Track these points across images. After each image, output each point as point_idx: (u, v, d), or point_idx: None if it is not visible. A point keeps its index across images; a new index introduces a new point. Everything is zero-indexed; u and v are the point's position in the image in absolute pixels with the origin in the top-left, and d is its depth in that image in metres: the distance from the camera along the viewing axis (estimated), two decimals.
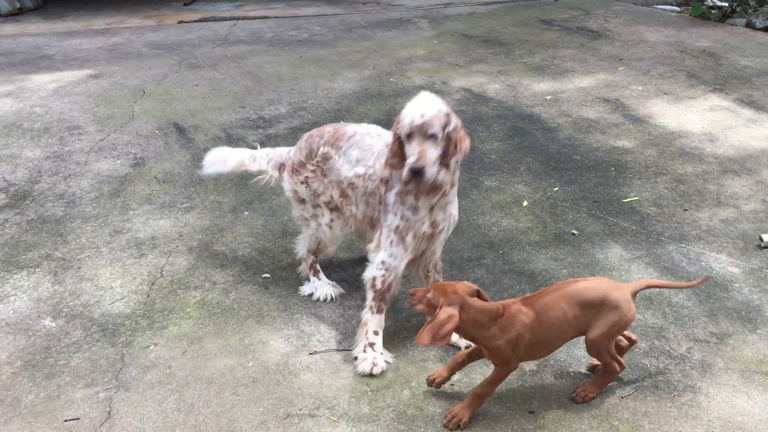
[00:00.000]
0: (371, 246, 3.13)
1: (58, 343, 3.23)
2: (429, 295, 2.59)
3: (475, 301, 2.60)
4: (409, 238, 3.03)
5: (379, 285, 3.05)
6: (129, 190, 4.67)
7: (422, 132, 2.86)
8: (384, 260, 3.04)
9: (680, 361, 2.98)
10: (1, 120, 6.00)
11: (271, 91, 6.44)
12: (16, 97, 6.60)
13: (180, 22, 9.76)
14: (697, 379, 2.88)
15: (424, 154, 2.84)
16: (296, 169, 3.42)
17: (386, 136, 3.20)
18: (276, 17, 9.76)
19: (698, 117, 5.46)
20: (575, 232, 3.98)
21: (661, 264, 3.65)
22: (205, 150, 3.91)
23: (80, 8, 10.98)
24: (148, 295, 3.56)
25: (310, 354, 3.07)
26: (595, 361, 2.88)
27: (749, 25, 8.08)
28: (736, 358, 2.99)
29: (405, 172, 2.86)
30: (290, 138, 5.26)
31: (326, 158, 3.31)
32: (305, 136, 3.48)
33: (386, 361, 3.02)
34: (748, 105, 5.66)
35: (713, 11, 8.63)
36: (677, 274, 3.55)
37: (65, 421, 2.77)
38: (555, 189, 4.47)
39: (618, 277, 3.55)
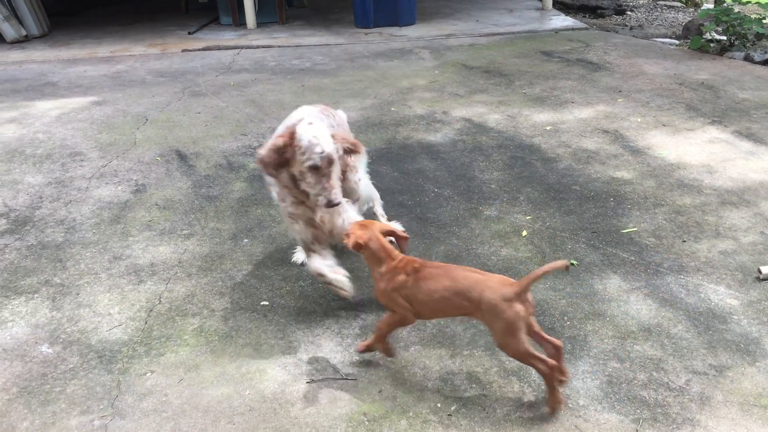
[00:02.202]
0: None
1: (55, 369, 3.22)
2: (350, 231, 3.04)
3: (381, 239, 3.00)
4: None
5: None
6: (129, 217, 4.69)
7: (330, 162, 3.21)
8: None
9: (679, 394, 2.96)
10: (4, 146, 6.04)
11: (273, 119, 6.48)
12: (19, 123, 6.65)
13: (184, 50, 9.86)
14: (696, 411, 2.86)
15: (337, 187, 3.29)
16: None
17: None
18: (279, 46, 9.87)
19: (697, 149, 5.49)
20: (574, 262, 3.98)
21: (660, 295, 3.64)
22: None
23: (85, 36, 11.11)
24: (146, 322, 3.55)
25: (308, 382, 3.05)
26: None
27: (747, 59, 8.16)
28: (735, 391, 2.97)
29: (321, 203, 3.27)
30: None
31: None
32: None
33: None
34: (747, 137, 5.69)
35: (712, 44, 8.73)
36: (676, 306, 3.54)
37: None
38: (554, 219, 4.49)
39: (617, 308, 3.54)
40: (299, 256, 4.03)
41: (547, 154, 5.54)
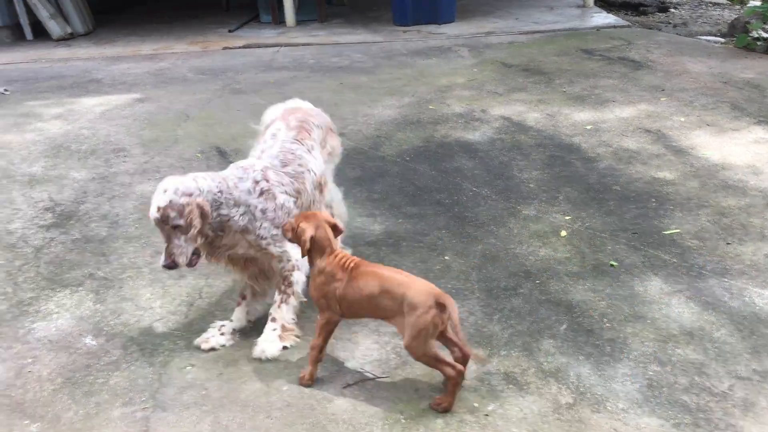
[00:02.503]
0: None
1: (98, 361, 3.29)
2: (293, 223, 3.04)
3: (327, 230, 3.02)
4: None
5: None
6: None
7: (165, 223, 2.99)
8: None
9: (721, 399, 2.91)
10: (50, 141, 6.19)
11: None
12: (65, 120, 6.81)
13: (225, 48, 9.98)
14: (740, 417, 2.81)
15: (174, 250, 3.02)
16: None
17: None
18: (318, 44, 9.92)
19: (742, 149, 5.37)
20: (614, 263, 3.93)
21: (703, 298, 3.57)
22: None
23: (129, 34, 11.32)
24: (186, 316, 3.61)
25: (343, 387, 3.06)
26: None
27: None
28: None
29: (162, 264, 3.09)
30: None
31: None
32: None
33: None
34: None
35: (758, 42, 8.51)
36: (719, 309, 3.47)
37: None
38: (594, 219, 4.43)
39: (658, 310, 3.49)
40: None
41: (587, 153, 5.48)
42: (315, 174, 3.53)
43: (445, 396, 2.89)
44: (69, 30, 11.19)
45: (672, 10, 12.08)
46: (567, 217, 4.48)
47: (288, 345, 3.32)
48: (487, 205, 4.69)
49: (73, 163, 5.68)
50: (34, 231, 4.57)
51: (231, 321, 3.47)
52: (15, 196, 5.10)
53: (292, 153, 3.46)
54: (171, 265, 3.05)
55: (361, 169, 5.35)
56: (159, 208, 2.97)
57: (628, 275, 3.82)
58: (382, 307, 2.87)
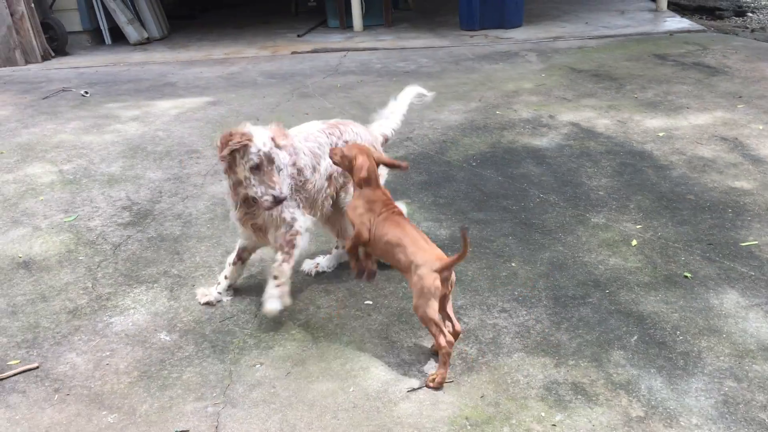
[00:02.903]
0: None
1: (172, 356, 3.40)
2: (344, 150, 3.36)
3: (374, 161, 3.33)
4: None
5: None
6: None
7: (270, 160, 3.34)
8: None
9: None
10: (128, 142, 6.42)
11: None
12: (142, 122, 7.05)
13: (293, 52, 10.15)
14: None
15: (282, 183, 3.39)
16: None
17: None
18: (384, 49, 9.99)
19: None
20: (688, 274, 3.83)
21: None
22: None
23: (202, 39, 11.64)
24: (256, 315, 3.69)
25: (409, 391, 3.08)
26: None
27: None
28: None
29: (267, 201, 3.36)
30: None
31: None
32: None
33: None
34: None
35: None
36: None
37: None
38: (667, 229, 4.32)
39: (734, 324, 3.38)
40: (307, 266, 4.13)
41: (659, 161, 5.35)
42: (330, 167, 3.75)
43: (437, 371, 3.08)
44: (146, 35, 11.59)
45: (749, 14, 11.67)
46: (638, 226, 4.38)
47: (288, 302, 3.59)
48: (555, 212, 4.64)
49: (149, 164, 5.88)
50: (113, 229, 4.75)
51: (226, 278, 3.84)
52: (95, 194, 5.32)
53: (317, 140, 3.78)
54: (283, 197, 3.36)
55: (427, 174, 5.36)
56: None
57: (702, 287, 3.71)
58: (396, 259, 3.14)
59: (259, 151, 3.29)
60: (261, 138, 3.32)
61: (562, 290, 3.77)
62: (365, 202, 3.26)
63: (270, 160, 3.33)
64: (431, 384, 3.05)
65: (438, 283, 2.97)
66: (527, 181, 5.12)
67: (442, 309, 3.09)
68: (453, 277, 3.06)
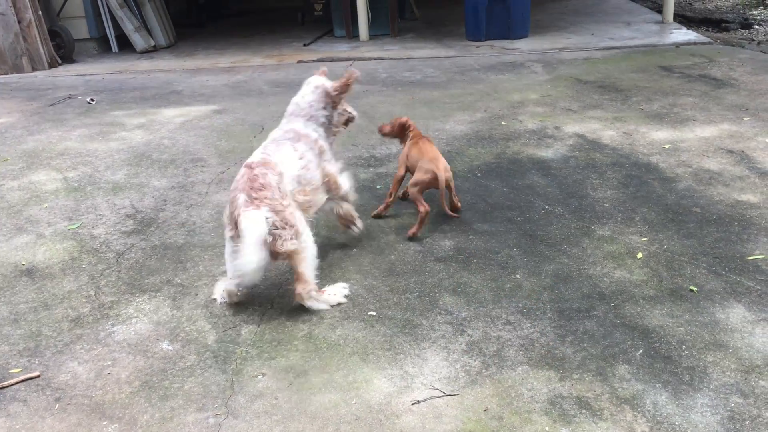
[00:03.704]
0: (337, 188, 4.28)
1: (174, 366, 3.38)
2: (393, 121, 4.90)
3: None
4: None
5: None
6: None
7: None
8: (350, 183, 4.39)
9: None
10: (133, 150, 6.43)
11: None
12: (147, 129, 7.06)
13: (299, 61, 10.18)
14: None
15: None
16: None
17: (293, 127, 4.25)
18: (390, 59, 10.00)
19: None
20: (694, 288, 3.80)
21: None
22: None
23: (208, 47, 11.68)
24: (258, 326, 3.68)
25: (413, 404, 3.05)
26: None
27: None
28: None
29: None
30: None
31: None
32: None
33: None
34: None
35: None
36: None
37: None
38: (672, 242, 4.30)
39: (741, 339, 3.35)
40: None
41: (665, 173, 5.32)
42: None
43: (415, 225, 4.47)
44: (152, 43, 11.64)
45: (755, 26, 11.66)
46: (643, 239, 4.36)
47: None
48: (560, 224, 4.61)
49: (154, 172, 5.88)
50: (117, 237, 4.75)
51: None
52: (99, 202, 5.32)
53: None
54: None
55: None
56: None
57: (708, 301, 3.68)
58: (415, 166, 4.55)
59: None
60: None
61: (567, 303, 3.74)
62: (409, 146, 4.72)
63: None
64: (410, 234, 4.46)
65: (432, 180, 4.43)
66: (532, 193, 5.11)
67: (449, 189, 4.70)
68: (449, 174, 4.58)
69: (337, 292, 3.87)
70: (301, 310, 3.77)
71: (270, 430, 2.94)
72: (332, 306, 3.80)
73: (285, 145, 4.02)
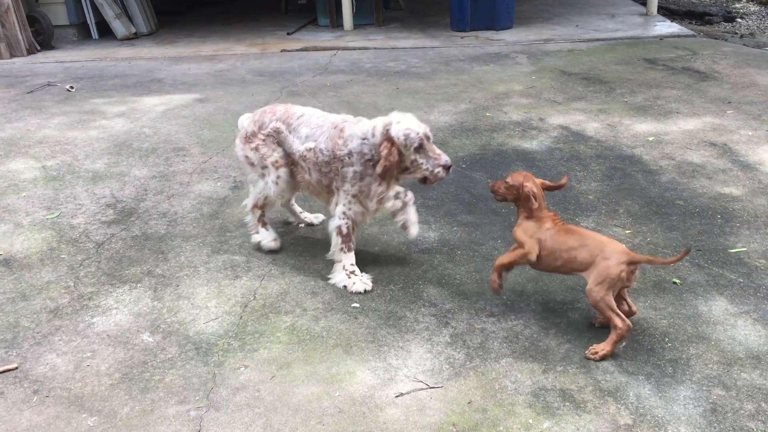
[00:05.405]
0: (333, 203, 3.97)
1: (155, 358, 3.34)
2: (508, 180, 3.47)
3: (541, 190, 3.46)
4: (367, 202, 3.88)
5: (344, 231, 3.89)
6: (227, 213, 4.82)
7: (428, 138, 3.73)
8: (345, 212, 3.86)
9: None
10: (113, 139, 6.34)
11: None
12: (128, 118, 6.97)
13: (283, 50, 10.09)
14: None
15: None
16: (248, 137, 4.11)
17: (330, 118, 3.95)
18: (375, 48, 9.94)
19: None
20: (677, 281, 3.81)
21: None
22: None
23: (191, 35, 11.54)
24: (241, 317, 3.64)
25: (397, 396, 3.04)
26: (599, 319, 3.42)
27: None
28: None
29: (440, 170, 3.70)
30: None
31: (278, 132, 3.99)
32: (259, 111, 4.18)
33: (370, 279, 3.87)
34: None
35: None
36: None
37: None
38: (656, 234, 4.31)
39: (723, 331, 3.36)
40: (256, 238, 4.31)
41: (649, 166, 5.33)
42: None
43: (604, 344, 3.20)
44: (133, 30, 11.48)
45: (738, 20, 11.72)
46: (627, 231, 4.36)
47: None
48: None
49: (135, 161, 5.80)
50: (96, 227, 4.68)
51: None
52: (79, 191, 5.24)
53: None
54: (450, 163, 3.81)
55: None
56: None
57: (691, 294, 3.69)
58: (579, 260, 3.26)
59: (418, 134, 3.65)
60: (413, 123, 3.71)
61: (550, 295, 3.74)
62: (537, 223, 3.42)
63: (428, 138, 3.73)
64: (592, 355, 3.20)
65: (624, 274, 3.15)
66: None
67: (620, 296, 3.29)
68: (637, 272, 3.25)
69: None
70: (284, 302, 3.74)
71: (252, 422, 2.90)
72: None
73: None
